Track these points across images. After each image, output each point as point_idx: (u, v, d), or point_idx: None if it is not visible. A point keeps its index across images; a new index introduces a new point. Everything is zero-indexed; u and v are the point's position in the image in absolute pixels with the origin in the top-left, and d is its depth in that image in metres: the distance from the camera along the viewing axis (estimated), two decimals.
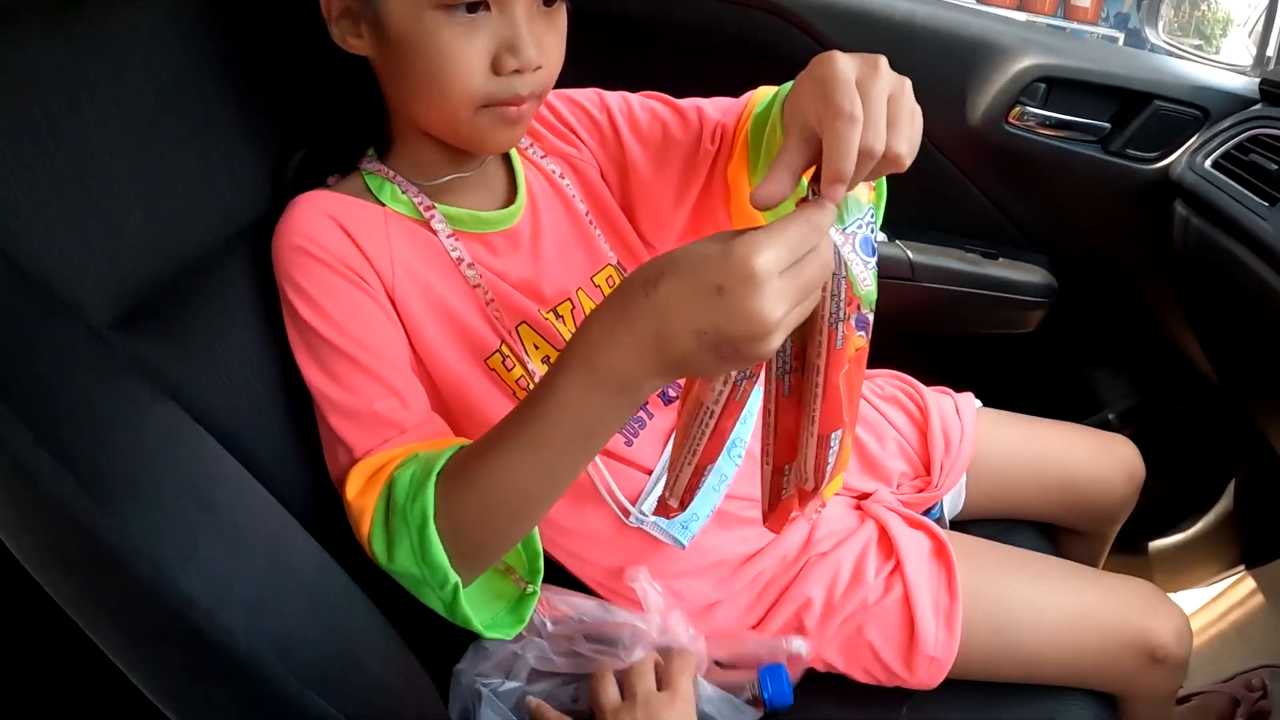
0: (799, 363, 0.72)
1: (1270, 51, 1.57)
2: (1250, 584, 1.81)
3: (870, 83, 0.66)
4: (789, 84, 0.93)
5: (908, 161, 0.68)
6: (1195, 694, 1.56)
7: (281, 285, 0.88)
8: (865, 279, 0.69)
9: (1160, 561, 1.82)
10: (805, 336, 0.71)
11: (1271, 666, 1.56)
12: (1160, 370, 1.72)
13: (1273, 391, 1.23)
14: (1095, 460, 1.27)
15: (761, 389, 0.76)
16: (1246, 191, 1.27)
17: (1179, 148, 1.48)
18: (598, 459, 0.96)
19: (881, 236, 1.58)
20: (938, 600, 0.98)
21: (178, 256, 0.87)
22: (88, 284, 0.77)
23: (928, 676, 0.97)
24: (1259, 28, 1.62)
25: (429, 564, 0.77)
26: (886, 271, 1.53)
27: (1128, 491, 1.28)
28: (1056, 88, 1.48)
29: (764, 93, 1.02)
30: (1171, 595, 1.78)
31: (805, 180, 0.69)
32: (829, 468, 0.74)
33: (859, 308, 0.69)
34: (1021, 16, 5.30)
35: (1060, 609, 1.02)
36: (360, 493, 0.81)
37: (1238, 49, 1.71)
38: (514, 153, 1.02)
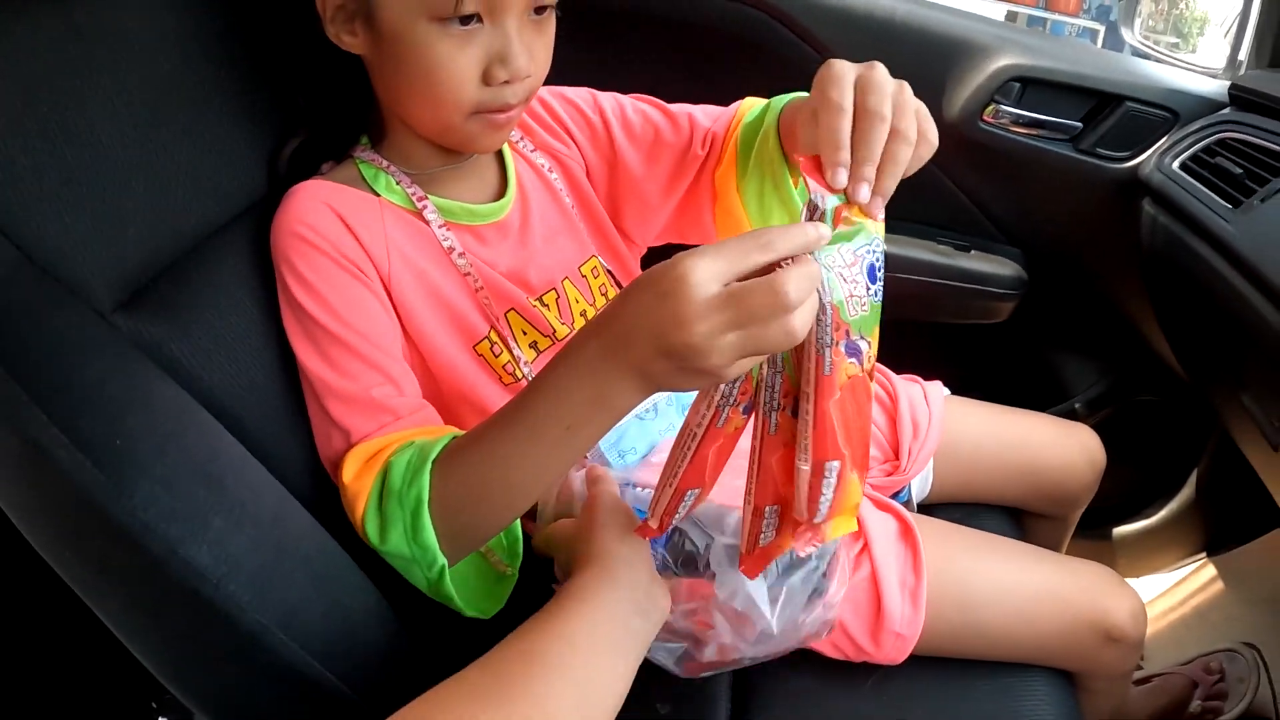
0: (788, 401, 0.71)
1: (1242, 56, 1.60)
2: (1211, 570, 1.84)
3: (866, 79, 0.71)
4: (780, 97, 1.00)
5: (922, 148, 0.74)
6: (1155, 675, 1.59)
7: (280, 271, 0.90)
8: (862, 303, 0.68)
9: (1124, 547, 1.86)
10: (798, 370, 0.70)
11: (1229, 650, 1.59)
12: (1127, 361, 1.75)
13: (1234, 386, 1.26)
14: (1058, 447, 1.31)
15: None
16: (1212, 193, 1.30)
17: (1149, 148, 1.52)
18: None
19: None
20: (904, 579, 1.01)
21: (177, 240, 0.89)
22: (93, 268, 0.79)
23: (894, 652, 1.00)
24: (1234, 30, 1.63)
25: (420, 545, 0.80)
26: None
27: (1089, 477, 1.32)
28: (1031, 87, 1.51)
29: (752, 103, 1.07)
30: (1135, 580, 1.85)
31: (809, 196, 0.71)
32: (823, 500, 0.70)
33: (848, 333, 0.68)
34: (1004, 7, 5.33)
35: (1021, 589, 1.06)
36: (357, 476, 0.84)
37: (1215, 48, 1.72)
38: (505, 146, 1.05)
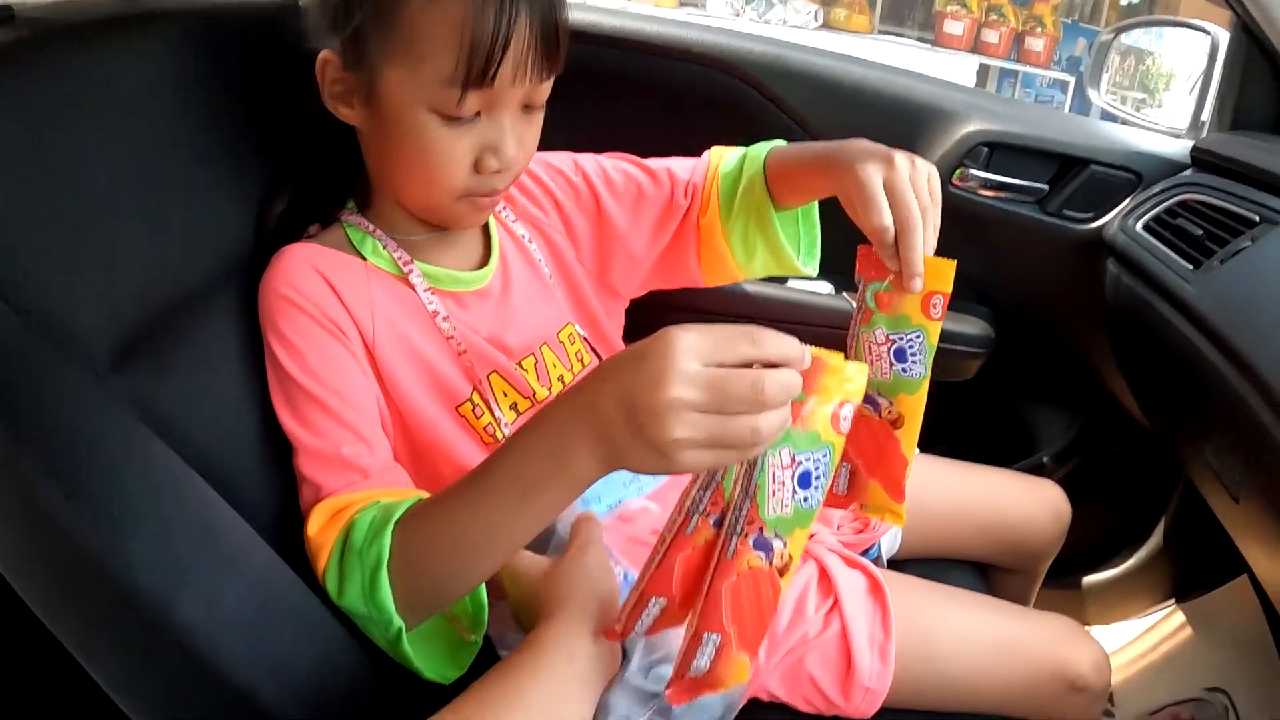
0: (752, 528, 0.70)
1: (1205, 117, 1.63)
2: (1180, 617, 1.84)
3: (894, 190, 0.88)
4: (757, 146, 1.11)
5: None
6: None
7: (265, 331, 0.93)
8: (785, 505, 0.68)
9: (1093, 595, 1.88)
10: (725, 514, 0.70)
11: (1197, 700, 1.61)
12: (1093, 413, 1.78)
13: (1196, 440, 1.28)
14: (1023, 502, 1.34)
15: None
16: (1173, 254, 1.34)
17: (1113, 209, 1.56)
18: None
19: (828, 288, 1.64)
20: (873, 634, 1.03)
21: (169, 299, 0.90)
22: (88, 327, 0.80)
23: (864, 705, 1.02)
24: (1198, 90, 1.67)
25: (376, 605, 0.80)
26: (832, 322, 1.59)
27: (1054, 531, 1.35)
28: (998, 151, 1.55)
29: (721, 152, 1.15)
30: (1104, 627, 1.87)
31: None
32: (694, 668, 0.71)
33: (762, 529, 0.68)
34: (975, 60, 5.41)
35: (984, 641, 1.09)
36: (320, 530, 0.85)
37: (1179, 106, 1.75)
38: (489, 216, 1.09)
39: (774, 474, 0.67)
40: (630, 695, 0.86)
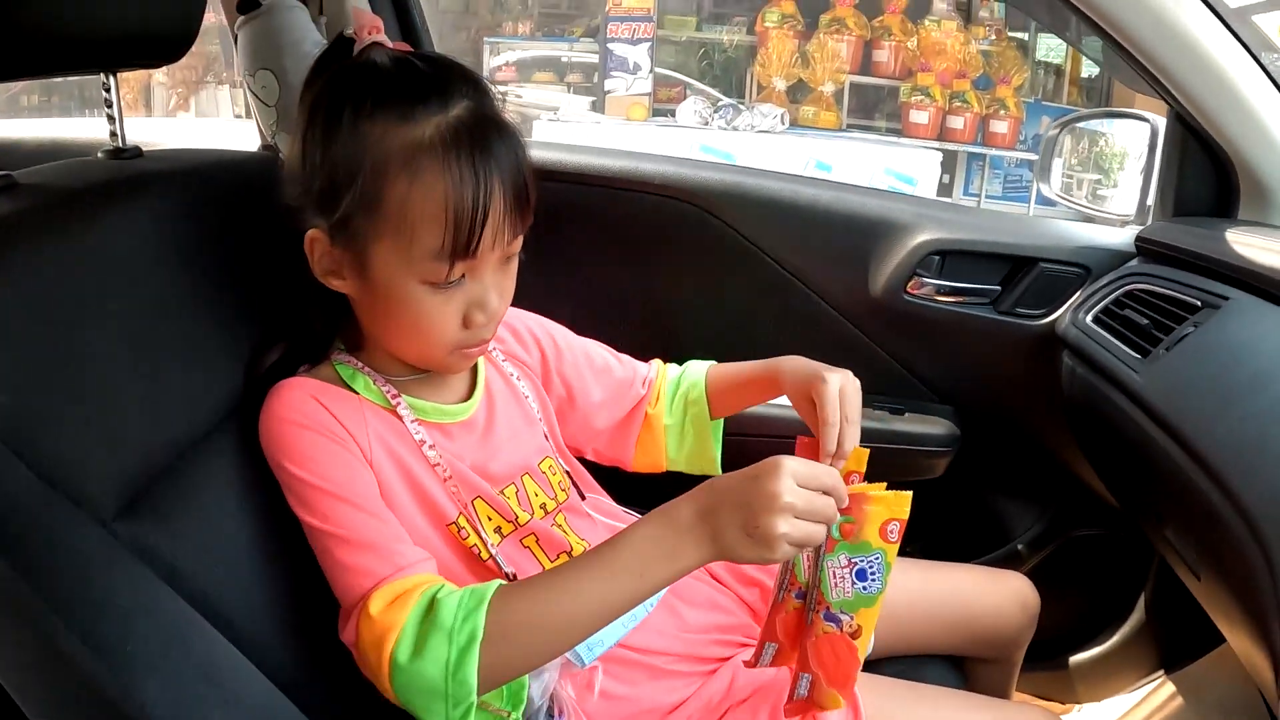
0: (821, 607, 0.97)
1: (1149, 202, 1.67)
2: (1170, 688, 1.84)
3: (848, 398, 1.05)
4: (694, 363, 1.31)
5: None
6: None
7: (276, 458, 0.98)
8: (847, 591, 0.95)
9: (1081, 674, 1.89)
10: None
11: None
12: (1064, 499, 1.82)
13: (1155, 521, 1.32)
14: (991, 595, 1.38)
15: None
16: (1122, 345, 1.39)
17: (1063, 304, 1.62)
18: None
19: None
20: None
21: (169, 449, 0.95)
22: (95, 480, 0.85)
23: None
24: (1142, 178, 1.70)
25: (459, 681, 0.86)
26: (800, 431, 1.65)
27: (1023, 621, 1.38)
28: (950, 257, 1.62)
29: (660, 364, 1.34)
30: (1095, 705, 1.88)
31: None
32: (796, 693, 1.01)
33: (828, 608, 0.95)
34: (943, 147, 5.55)
35: None
36: (385, 610, 0.90)
37: (1131, 189, 1.77)
38: None
39: (834, 572, 0.94)
40: None
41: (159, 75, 8.23)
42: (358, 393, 1.04)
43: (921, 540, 1.45)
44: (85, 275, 0.91)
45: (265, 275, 1.11)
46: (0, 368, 0.81)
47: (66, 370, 0.86)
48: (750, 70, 8.11)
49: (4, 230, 0.89)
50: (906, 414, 1.70)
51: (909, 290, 1.64)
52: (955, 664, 1.37)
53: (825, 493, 0.87)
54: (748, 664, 1.05)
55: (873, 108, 7.23)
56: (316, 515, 0.96)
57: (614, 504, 1.26)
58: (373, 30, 0.97)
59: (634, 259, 1.49)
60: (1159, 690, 1.88)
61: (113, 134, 1.15)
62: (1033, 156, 5.51)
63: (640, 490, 1.26)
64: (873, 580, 0.95)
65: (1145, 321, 1.40)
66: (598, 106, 7.84)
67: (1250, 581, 0.95)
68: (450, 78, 0.96)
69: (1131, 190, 1.76)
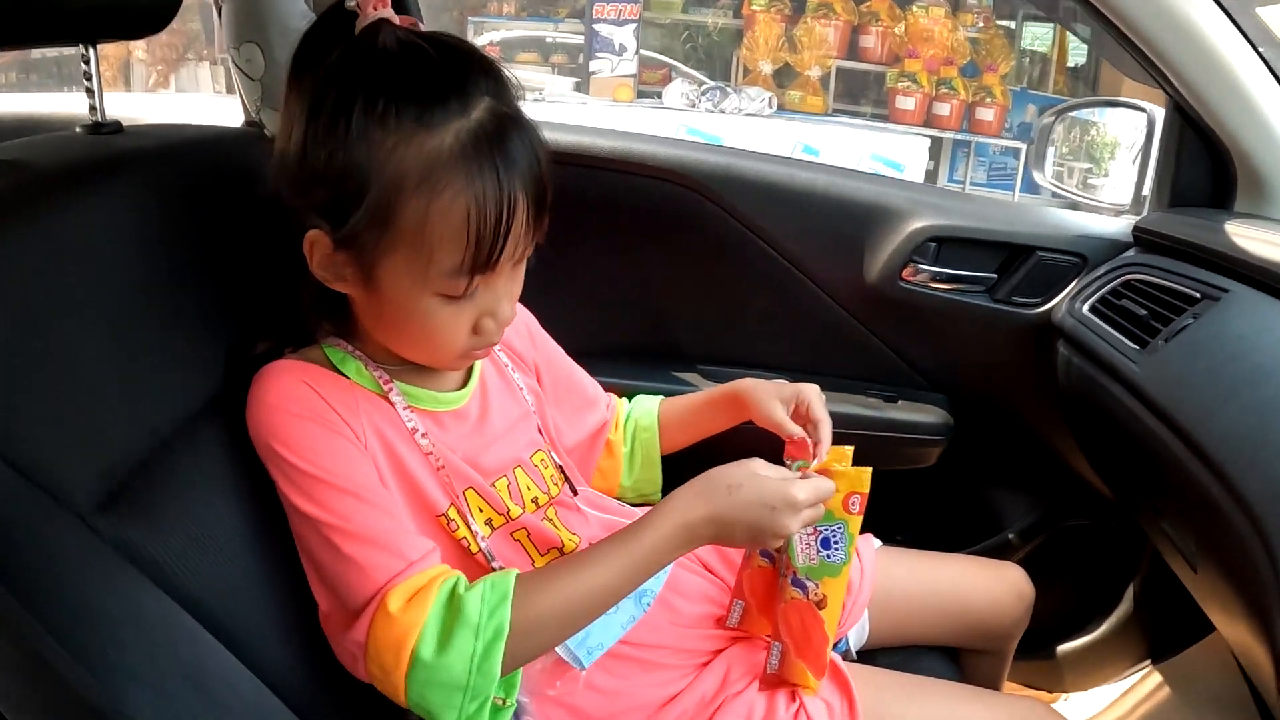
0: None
1: (1145, 192, 1.66)
2: (1157, 678, 1.84)
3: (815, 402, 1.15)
4: (643, 398, 1.32)
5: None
6: None
7: (269, 447, 0.93)
8: (812, 558, 1.04)
9: (1069, 664, 1.89)
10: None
11: None
12: (1056, 489, 1.81)
13: (1153, 513, 1.32)
14: (986, 586, 1.37)
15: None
16: (1120, 335, 1.38)
17: (1060, 293, 1.61)
18: None
19: None
20: None
21: (150, 441, 0.91)
22: (75, 475, 0.82)
23: None
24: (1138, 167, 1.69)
25: (484, 674, 0.87)
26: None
27: (1019, 612, 1.37)
28: (946, 244, 1.61)
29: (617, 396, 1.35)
30: (1082, 694, 1.88)
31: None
32: (769, 664, 1.09)
33: (795, 573, 1.04)
34: (929, 133, 5.56)
35: None
36: (405, 608, 0.87)
37: (1124, 178, 1.77)
38: None
39: (801, 538, 1.03)
40: None
41: (139, 52, 8.17)
42: (348, 377, 1.00)
43: (913, 529, 1.44)
44: (62, 261, 0.88)
45: (249, 258, 1.08)
46: None
47: (41, 361, 0.83)
48: (736, 53, 8.10)
49: None
50: (899, 401, 1.69)
51: (904, 277, 1.62)
52: (950, 655, 1.37)
53: None
54: (718, 621, 1.13)
55: (859, 93, 7.23)
56: (320, 507, 0.91)
57: (607, 498, 1.24)
58: (379, 4, 0.89)
59: (624, 242, 1.47)
60: (1146, 680, 1.88)
61: (92, 108, 1.11)
62: (1019, 144, 5.53)
63: None
64: (836, 549, 1.03)
65: (1143, 312, 1.39)
66: (582, 88, 7.83)
67: (1250, 574, 0.95)
68: (469, 71, 0.89)
69: (1124, 179, 1.75)
